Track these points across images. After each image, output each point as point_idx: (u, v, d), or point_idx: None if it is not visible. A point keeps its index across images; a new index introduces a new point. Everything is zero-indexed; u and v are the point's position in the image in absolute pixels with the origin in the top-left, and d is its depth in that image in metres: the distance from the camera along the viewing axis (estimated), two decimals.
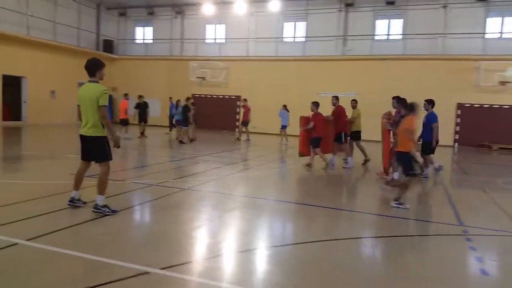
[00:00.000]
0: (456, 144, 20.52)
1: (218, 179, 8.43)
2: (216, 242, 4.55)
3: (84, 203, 5.42)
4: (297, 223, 5.65)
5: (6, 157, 10.55)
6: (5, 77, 20.46)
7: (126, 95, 17.13)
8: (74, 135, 12.07)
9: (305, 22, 23.50)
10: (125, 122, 16.20)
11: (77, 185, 5.41)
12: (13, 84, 21.55)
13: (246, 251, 4.27)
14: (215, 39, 25.59)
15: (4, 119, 20.62)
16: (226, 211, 5.94)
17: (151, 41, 27.25)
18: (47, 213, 5.09)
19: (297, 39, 23.93)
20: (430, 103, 9.66)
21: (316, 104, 10.28)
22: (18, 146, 13.97)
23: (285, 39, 24.17)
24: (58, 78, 22.62)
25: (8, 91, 21.26)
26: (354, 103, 11.57)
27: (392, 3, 21.54)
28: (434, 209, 6.98)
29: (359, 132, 11.25)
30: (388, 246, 4.77)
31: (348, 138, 11.00)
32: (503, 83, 19.25)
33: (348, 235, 5.07)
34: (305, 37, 23.45)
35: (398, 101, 8.72)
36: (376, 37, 22.43)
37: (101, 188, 5.20)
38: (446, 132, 17.96)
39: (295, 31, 24.03)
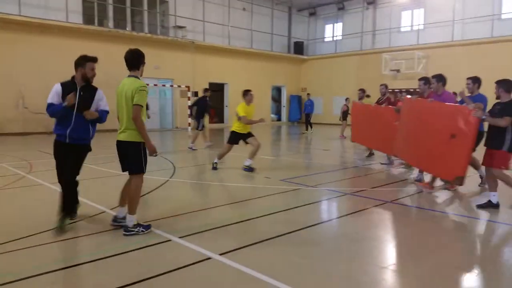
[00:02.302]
0: None
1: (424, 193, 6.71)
2: None
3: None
4: None
5: None
6: (211, 84, 22.95)
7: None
8: (265, 135, 13.91)
9: None
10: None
11: (123, 200, 4.48)
12: (218, 90, 24.08)
13: None
14: (411, 26, 22.84)
15: (211, 122, 23.20)
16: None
17: (340, 38, 26.41)
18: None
19: None
20: None
21: None
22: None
23: (504, 16, 19.56)
24: (255, 82, 24.04)
25: (214, 96, 23.85)
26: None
27: None
28: None
29: None
30: None
31: None
32: None
33: None
34: None
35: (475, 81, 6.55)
36: None
37: (131, 206, 4.27)
38: None
39: None
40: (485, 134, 5.81)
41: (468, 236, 4.75)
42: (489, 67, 18.81)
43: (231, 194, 6.40)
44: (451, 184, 6.44)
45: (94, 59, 4.38)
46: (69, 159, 4.37)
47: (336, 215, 5.23)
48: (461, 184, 5.86)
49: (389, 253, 4.03)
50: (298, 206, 5.59)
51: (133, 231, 4.22)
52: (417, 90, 7.60)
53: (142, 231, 4.25)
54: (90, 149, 4.57)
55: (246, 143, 8.41)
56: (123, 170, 4.42)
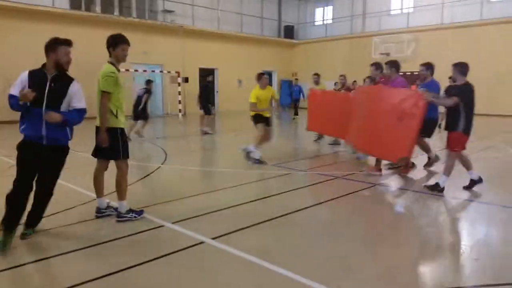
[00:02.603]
0: None
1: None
2: None
3: (115, 209, 4.33)
4: None
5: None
6: (201, 70, 22.79)
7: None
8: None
9: None
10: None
11: (99, 190, 4.32)
12: (208, 75, 23.90)
13: None
14: (401, 9, 22.79)
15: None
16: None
17: (330, 21, 26.28)
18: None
19: None
20: None
21: None
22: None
23: None
24: (245, 67, 23.90)
25: (204, 82, 23.70)
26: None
27: None
28: None
29: None
30: None
31: None
32: None
33: None
34: None
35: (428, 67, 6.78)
36: None
37: (120, 192, 4.23)
38: None
39: None
40: (438, 122, 6.02)
41: (448, 214, 4.88)
42: (477, 49, 19.00)
43: (223, 179, 6.45)
44: (404, 168, 6.57)
45: (68, 42, 3.68)
46: (44, 165, 3.65)
47: (327, 197, 5.32)
48: (407, 166, 6.09)
49: (380, 233, 4.13)
50: (290, 190, 5.66)
51: (126, 217, 4.22)
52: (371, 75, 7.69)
53: (135, 216, 4.25)
54: (67, 152, 3.85)
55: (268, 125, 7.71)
56: (94, 155, 4.27)
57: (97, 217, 4.32)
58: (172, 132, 14.34)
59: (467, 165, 5.55)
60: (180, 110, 19.68)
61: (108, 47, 4.15)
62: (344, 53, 24.50)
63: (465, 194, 5.47)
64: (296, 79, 20.19)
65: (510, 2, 18.88)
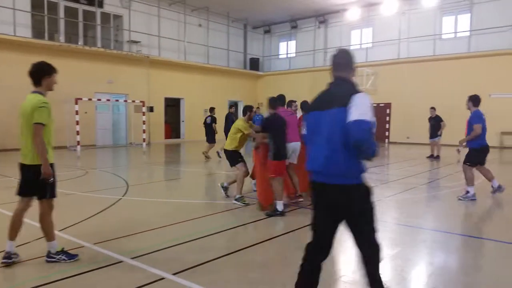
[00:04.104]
0: None
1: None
2: None
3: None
4: None
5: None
6: (167, 99, 22.75)
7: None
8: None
9: (469, 14, 20.04)
10: None
11: (12, 232, 3.90)
12: (174, 105, 23.89)
13: None
14: (360, 44, 23.95)
15: (166, 137, 22.90)
16: None
17: (294, 55, 27.18)
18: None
19: (459, 34, 20.58)
20: None
21: None
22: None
23: (444, 36, 21.06)
24: (211, 97, 24.10)
25: (169, 111, 23.66)
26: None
27: None
28: None
29: None
30: None
31: None
32: None
33: None
34: (470, 30, 19.94)
35: None
36: None
37: (48, 233, 3.94)
38: None
39: (456, 25, 20.72)
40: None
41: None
42: (430, 82, 20.18)
43: (186, 211, 6.35)
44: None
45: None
46: None
47: (291, 228, 5.34)
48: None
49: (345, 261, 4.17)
50: (255, 221, 5.65)
51: (54, 258, 3.94)
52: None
53: (64, 259, 3.94)
54: None
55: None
56: (20, 194, 3.94)
57: (4, 264, 3.84)
58: (134, 162, 14.05)
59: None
60: (144, 140, 19.40)
61: (37, 76, 3.87)
62: (307, 85, 25.25)
63: (416, 222, 5.65)
64: (258, 108, 20.09)
65: (459, 40, 20.33)
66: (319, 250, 2.71)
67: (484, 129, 6.91)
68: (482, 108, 7.16)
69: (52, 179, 3.85)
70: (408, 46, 21.86)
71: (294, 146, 6.69)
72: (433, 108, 14.05)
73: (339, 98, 2.57)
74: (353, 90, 2.59)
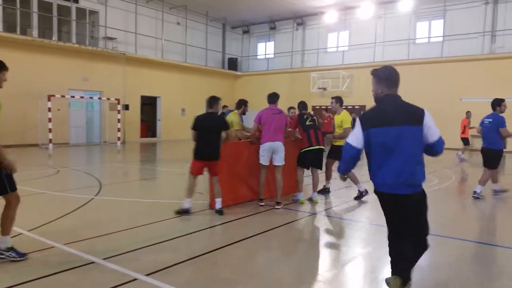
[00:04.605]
0: None
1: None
2: None
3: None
4: None
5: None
6: (143, 98, 22.45)
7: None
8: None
9: (442, 20, 20.67)
10: (465, 141, 14.90)
11: None
12: (150, 103, 23.60)
13: None
14: (337, 47, 24.31)
15: (142, 136, 22.60)
16: None
17: (272, 56, 27.31)
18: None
19: (432, 39, 21.19)
20: None
21: None
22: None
23: (418, 41, 21.62)
24: (188, 96, 23.96)
25: (145, 110, 23.35)
26: None
27: None
28: None
29: None
30: None
31: None
32: None
33: None
34: (443, 36, 20.56)
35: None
36: None
37: (5, 227, 3.90)
38: None
39: (430, 30, 21.32)
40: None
41: None
42: (404, 85, 20.54)
43: (160, 211, 6.29)
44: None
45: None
46: None
47: (267, 227, 5.38)
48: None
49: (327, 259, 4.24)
50: (230, 221, 5.67)
51: (3, 254, 3.86)
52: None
53: (14, 257, 3.88)
54: None
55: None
56: None
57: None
58: (108, 161, 13.81)
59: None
60: (119, 138, 19.09)
61: None
62: (285, 86, 25.43)
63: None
64: (225, 106, 19.67)
65: (432, 45, 20.92)
66: (416, 242, 3.14)
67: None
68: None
69: (14, 170, 3.80)
70: (383, 49, 22.35)
71: (272, 146, 6.48)
72: None
73: (415, 116, 3.01)
74: (418, 108, 3.05)
